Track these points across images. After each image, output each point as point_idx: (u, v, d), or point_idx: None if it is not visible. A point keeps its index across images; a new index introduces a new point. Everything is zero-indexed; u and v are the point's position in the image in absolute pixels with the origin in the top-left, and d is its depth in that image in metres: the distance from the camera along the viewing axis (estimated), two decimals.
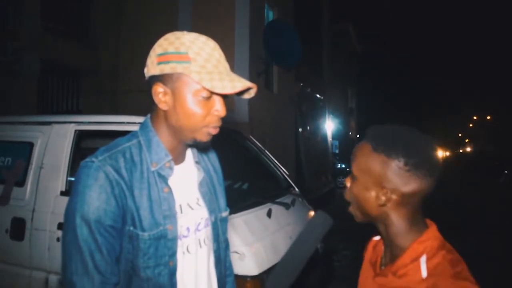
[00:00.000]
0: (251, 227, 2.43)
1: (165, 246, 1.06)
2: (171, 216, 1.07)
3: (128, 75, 7.25)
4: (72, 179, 2.39)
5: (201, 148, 1.22)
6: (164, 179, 1.08)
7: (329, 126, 15.41)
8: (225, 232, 1.31)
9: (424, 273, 0.85)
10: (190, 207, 1.15)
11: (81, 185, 0.98)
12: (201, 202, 1.19)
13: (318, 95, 13.72)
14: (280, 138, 8.86)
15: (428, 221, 0.97)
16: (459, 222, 7.69)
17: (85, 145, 3.17)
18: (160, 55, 1.01)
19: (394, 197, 0.90)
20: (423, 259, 0.87)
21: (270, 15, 9.29)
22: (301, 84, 11.25)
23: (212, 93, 1.02)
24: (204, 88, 1.00)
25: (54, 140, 2.61)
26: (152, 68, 1.03)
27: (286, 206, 2.89)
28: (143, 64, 1.07)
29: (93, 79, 7.47)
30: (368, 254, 1.09)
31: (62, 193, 2.48)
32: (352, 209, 1.00)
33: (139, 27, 7.32)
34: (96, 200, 0.97)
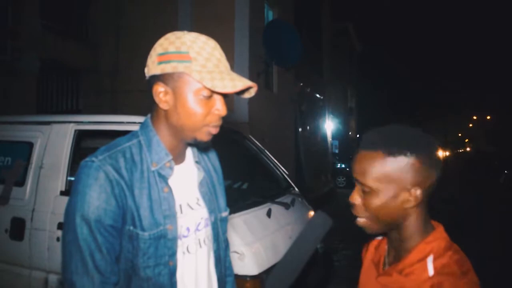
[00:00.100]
0: (250, 227, 2.43)
1: (165, 246, 1.06)
2: (171, 216, 1.07)
3: (128, 75, 7.24)
4: (72, 179, 2.39)
5: (201, 147, 1.22)
6: (164, 179, 1.08)
7: (329, 126, 15.42)
8: (225, 232, 1.31)
9: (431, 271, 0.85)
10: (190, 207, 1.15)
11: (81, 184, 0.98)
12: (201, 202, 1.19)
13: (318, 95, 13.73)
14: (280, 138, 8.85)
15: (435, 223, 0.96)
16: (459, 222, 7.69)
17: (85, 145, 3.17)
18: (161, 54, 1.01)
19: (419, 195, 0.89)
20: (430, 259, 0.87)
21: (270, 15, 9.29)
22: (301, 84, 11.25)
23: (213, 92, 1.02)
24: (205, 87, 1.00)
25: (54, 140, 2.61)
26: (152, 67, 1.03)
27: (286, 206, 2.89)
28: (143, 63, 1.07)
29: (93, 78, 7.48)
30: (370, 254, 1.09)
31: (62, 193, 2.47)
32: (366, 222, 0.94)
33: (139, 27, 7.32)
34: (96, 199, 0.97)
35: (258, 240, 2.39)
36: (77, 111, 7.02)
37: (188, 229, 1.13)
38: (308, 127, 12.31)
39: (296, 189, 3.43)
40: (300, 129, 10.90)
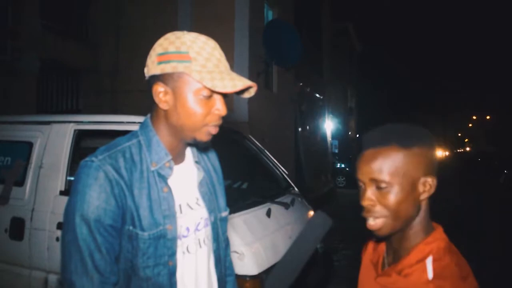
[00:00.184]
0: (250, 227, 2.43)
1: (165, 246, 1.06)
2: (171, 216, 1.07)
3: (128, 75, 7.24)
4: (72, 178, 2.39)
5: (201, 147, 1.22)
6: (163, 178, 1.08)
7: (329, 125, 15.41)
8: (225, 231, 1.31)
9: (430, 274, 0.85)
10: (190, 207, 1.15)
11: (80, 184, 0.98)
12: (201, 202, 1.19)
13: (317, 95, 13.73)
14: (280, 137, 8.85)
15: (434, 224, 0.97)
16: (459, 222, 7.69)
17: (84, 145, 3.17)
18: (161, 54, 1.01)
19: (435, 183, 0.91)
20: (429, 260, 0.87)
21: (269, 14, 9.29)
22: (301, 84, 11.25)
23: (213, 92, 1.02)
24: (205, 87, 1.00)
25: (54, 139, 2.61)
26: (152, 67, 1.03)
27: (286, 205, 2.89)
28: (143, 63, 1.07)
29: (92, 78, 7.47)
30: (369, 255, 1.08)
31: (62, 193, 2.47)
32: (385, 222, 0.90)
33: (139, 27, 7.32)
34: (95, 199, 0.97)
35: (258, 240, 2.39)
36: (77, 111, 7.02)
37: (188, 229, 1.13)
38: (308, 127, 12.31)
39: (296, 189, 3.43)
40: (300, 129, 10.90)
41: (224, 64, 1.04)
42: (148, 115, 1.13)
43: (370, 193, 0.91)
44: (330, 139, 15.68)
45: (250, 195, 2.99)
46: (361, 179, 0.92)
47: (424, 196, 0.91)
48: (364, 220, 0.94)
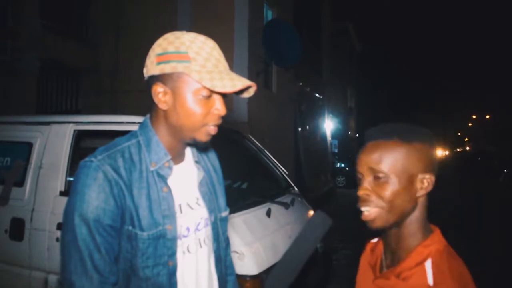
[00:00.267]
0: (250, 227, 2.43)
1: (164, 246, 1.06)
2: (171, 216, 1.07)
3: (128, 75, 7.23)
4: (71, 179, 2.38)
5: (200, 147, 1.22)
6: (163, 178, 1.08)
7: (329, 125, 15.41)
8: (225, 231, 1.31)
9: (430, 280, 0.84)
10: (190, 207, 1.15)
11: (80, 184, 0.98)
12: (201, 201, 1.19)
13: (317, 95, 13.73)
14: (280, 137, 8.85)
15: (432, 226, 0.97)
16: (459, 222, 7.70)
17: (84, 145, 3.17)
18: (160, 55, 1.01)
19: (432, 180, 0.92)
20: (428, 264, 0.87)
21: (269, 14, 9.29)
22: (301, 84, 11.25)
23: (212, 92, 1.02)
24: (204, 87, 1.00)
25: (53, 140, 2.61)
26: (151, 68, 1.03)
27: (286, 205, 2.89)
28: (143, 63, 1.07)
29: (92, 78, 7.47)
30: (367, 257, 1.08)
31: (61, 193, 2.47)
32: (378, 212, 0.90)
33: (139, 27, 7.32)
34: (95, 199, 0.97)
35: (258, 240, 2.39)
36: (77, 111, 7.02)
37: (188, 229, 1.13)
38: (307, 127, 12.32)
39: (296, 188, 3.43)
40: (299, 129, 10.90)
41: (223, 64, 1.04)
42: (148, 115, 1.13)
43: (367, 183, 0.92)
44: (330, 139, 15.69)
45: (250, 195, 2.99)
46: (360, 170, 0.94)
47: (421, 193, 0.91)
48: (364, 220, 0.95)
